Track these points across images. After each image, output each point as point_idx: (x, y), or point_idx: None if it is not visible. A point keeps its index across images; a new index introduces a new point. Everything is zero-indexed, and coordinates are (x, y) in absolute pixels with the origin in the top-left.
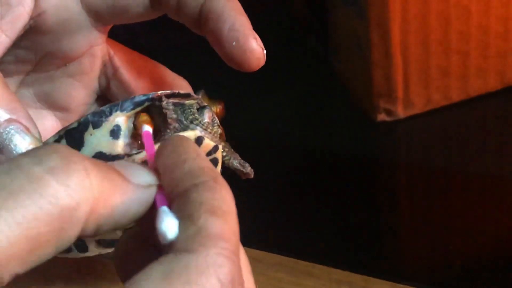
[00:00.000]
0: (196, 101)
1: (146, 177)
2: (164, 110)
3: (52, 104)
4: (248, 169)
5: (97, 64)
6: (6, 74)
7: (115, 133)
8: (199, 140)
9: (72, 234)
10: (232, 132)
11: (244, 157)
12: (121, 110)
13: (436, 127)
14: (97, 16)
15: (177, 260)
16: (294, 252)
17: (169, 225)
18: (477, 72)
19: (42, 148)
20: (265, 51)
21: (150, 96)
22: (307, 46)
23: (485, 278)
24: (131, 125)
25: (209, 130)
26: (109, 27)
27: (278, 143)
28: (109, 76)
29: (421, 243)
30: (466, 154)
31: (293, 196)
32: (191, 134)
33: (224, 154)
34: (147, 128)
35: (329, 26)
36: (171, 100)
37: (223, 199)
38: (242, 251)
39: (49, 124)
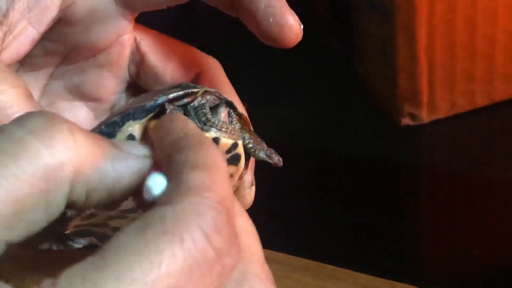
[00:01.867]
0: (213, 96)
1: (139, 149)
2: None
3: (83, 95)
4: (276, 159)
5: (126, 53)
6: (36, 68)
7: None
8: (215, 141)
9: (59, 197)
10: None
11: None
12: (133, 120)
13: (460, 132)
14: (125, 4)
15: (154, 212)
16: (320, 256)
17: (156, 181)
18: (503, 77)
19: (26, 114)
20: (302, 26)
21: (160, 101)
22: (330, 49)
23: (509, 282)
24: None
25: (224, 129)
26: (136, 14)
27: (301, 146)
28: (137, 63)
29: (445, 248)
30: (489, 159)
31: (317, 199)
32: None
33: (250, 146)
34: None
35: (352, 29)
36: (185, 100)
37: (208, 156)
38: (245, 216)
39: (82, 115)
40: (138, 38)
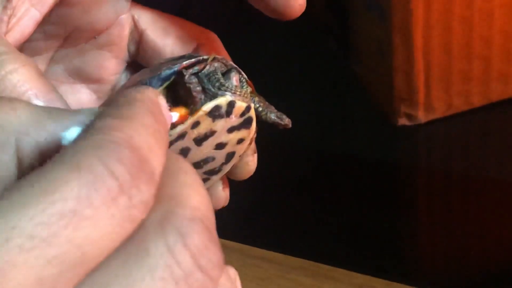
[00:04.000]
0: (220, 63)
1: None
2: (187, 85)
3: (84, 77)
4: (286, 120)
5: (125, 32)
6: (36, 52)
7: None
8: (231, 105)
9: (5, 158)
10: None
11: (263, 159)
12: None
13: (456, 132)
14: None
15: (57, 152)
16: (316, 255)
17: (73, 130)
18: (499, 77)
19: None
20: None
21: (176, 69)
22: (327, 49)
23: (506, 283)
24: None
25: (238, 92)
26: None
27: (298, 146)
28: (136, 41)
29: (441, 248)
30: (486, 159)
31: (314, 199)
32: (222, 100)
33: (260, 109)
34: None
35: (349, 30)
36: (196, 68)
37: (131, 110)
38: (190, 173)
39: (85, 97)
40: (136, 16)
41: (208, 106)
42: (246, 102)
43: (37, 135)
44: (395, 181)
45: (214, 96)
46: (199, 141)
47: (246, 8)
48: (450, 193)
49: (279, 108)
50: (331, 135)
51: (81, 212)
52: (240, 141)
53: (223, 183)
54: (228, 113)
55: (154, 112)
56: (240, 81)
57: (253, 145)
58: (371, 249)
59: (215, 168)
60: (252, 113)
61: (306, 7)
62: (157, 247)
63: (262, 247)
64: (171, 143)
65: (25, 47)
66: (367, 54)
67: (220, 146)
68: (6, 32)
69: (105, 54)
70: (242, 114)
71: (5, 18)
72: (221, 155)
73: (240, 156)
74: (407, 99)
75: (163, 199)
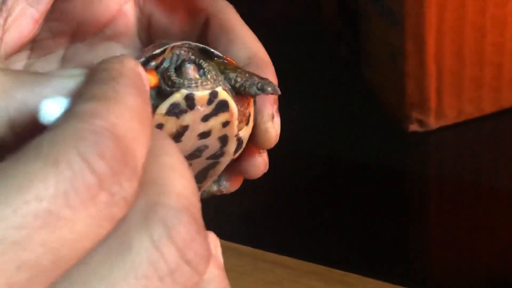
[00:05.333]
0: (180, 52)
1: (69, 71)
2: None
3: None
4: (269, 90)
5: (132, 21)
6: (47, 52)
7: None
8: (189, 98)
9: None
10: None
11: (275, 164)
12: None
13: (468, 138)
14: None
15: (34, 140)
16: (328, 260)
17: (53, 105)
18: (511, 84)
19: None
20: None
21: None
22: (338, 54)
23: None
24: None
25: (194, 84)
26: None
27: (309, 151)
28: (145, 27)
29: (451, 255)
30: (497, 166)
31: (325, 204)
32: (177, 97)
33: (238, 85)
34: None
35: (360, 35)
36: (153, 63)
37: (112, 89)
38: (174, 155)
39: None
40: (141, 2)
41: (163, 108)
42: (208, 88)
43: (5, 105)
44: (406, 187)
45: (170, 94)
46: (175, 137)
47: (256, 13)
48: (460, 199)
49: (289, 114)
50: (342, 141)
51: (57, 213)
52: (225, 124)
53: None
54: (191, 106)
55: (138, 87)
56: (200, 68)
57: (271, 109)
58: (382, 254)
59: (216, 152)
60: (222, 96)
61: (318, 12)
62: (141, 241)
63: (274, 252)
64: None
65: (35, 47)
66: (378, 60)
67: (204, 135)
68: (3, 33)
69: (114, 45)
70: (210, 102)
71: (1, 21)
72: (212, 141)
73: (236, 136)
74: (419, 105)
75: (146, 186)
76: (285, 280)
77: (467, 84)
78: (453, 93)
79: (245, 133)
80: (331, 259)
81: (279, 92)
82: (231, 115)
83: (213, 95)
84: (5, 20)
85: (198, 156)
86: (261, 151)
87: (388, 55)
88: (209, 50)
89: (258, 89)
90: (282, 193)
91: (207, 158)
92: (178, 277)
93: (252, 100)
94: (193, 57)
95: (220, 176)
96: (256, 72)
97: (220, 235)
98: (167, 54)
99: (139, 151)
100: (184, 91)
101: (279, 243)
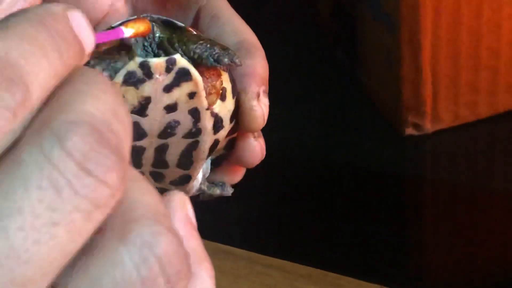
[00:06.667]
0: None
1: None
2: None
3: None
4: (226, 61)
5: (124, 16)
6: None
7: None
8: (145, 65)
9: None
10: None
11: (271, 168)
12: None
13: (463, 142)
14: None
15: None
16: (323, 263)
17: None
18: (506, 88)
19: None
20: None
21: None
22: (334, 58)
23: None
24: None
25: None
26: None
27: (304, 155)
28: (154, 16)
29: (447, 258)
30: (493, 170)
31: (321, 208)
32: (131, 65)
33: (196, 57)
34: (124, 29)
35: (356, 40)
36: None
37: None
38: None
39: None
40: None
41: (119, 76)
42: (165, 55)
43: None
44: (402, 191)
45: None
46: (139, 111)
47: (252, 17)
48: (456, 203)
49: (285, 118)
50: (338, 145)
51: None
52: (192, 95)
53: (255, 134)
54: (148, 74)
55: (46, 23)
56: (155, 36)
57: (254, 86)
58: (378, 258)
59: (190, 129)
60: (181, 63)
61: (314, 16)
62: (31, 154)
63: (270, 255)
64: None
65: None
66: (374, 64)
67: (170, 108)
68: None
69: None
70: (168, 69)
71: None
72: (182, 116)
73: (210, 110)
74: (415, 109)
75: (48, 108)
76: (281, 284)
77: (463, 88)
78: (449, 97)
79: (222, 109)
80: (327, 262)
81: (238, 64)
82: (196, 84)
83: (171, 62)
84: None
85: (173, 134)
86: (255, 134)
87: (384, 59)
88: (172, 22)
89: (214, 60)
90: (278, 197)
91: (184, 137)
92: (80, 189)
93: (223, 73)
94: (163, 22)
95: (223, 181)
96: (246, 56)
97: (216, 238)
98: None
99: (28, 67)
100: (138, 59)
101: (274, 247)
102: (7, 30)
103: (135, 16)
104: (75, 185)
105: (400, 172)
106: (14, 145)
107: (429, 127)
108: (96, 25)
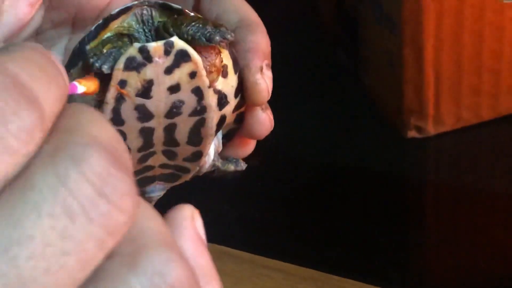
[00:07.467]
0: (135, 13)
1: None
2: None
3: None
4: (217, 39)
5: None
6: (51, 43)
7: None
8: (144, 50)
9: None
10: (258, 145)
11: (270, 169)
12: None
13: (466, 145)
14: None
15: None
16: (326, 266)
17: None
18: (509, 90)
19: None
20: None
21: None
22: (336, 60)
23: None
24: None
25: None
26: None
27: (307, 157)
28: (151, 1)
29: (449, 261)
30: (495, 172)
31: (323, 211)
32: (131, 51)
33: (190, 38)
34: (77, 84)
35: (359, 41)
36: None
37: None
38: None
39: None
40: None
41: (120, 63)
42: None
43: None
44: (404, 193)
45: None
46: (143, 94)
47: None
48: (458, 206)
49: (288, 120)
50: (340, 147)
51: None
52: (192, 75)
53: (262, 106)
54: (148, 58)
55: (43, 54)
56: (151, 21)
57: (257, 61)
58: (380, 260)
59: (196, 107)
60: (179, 45)
61: (316, 18)
62: (45, 178)
63: (272, 257)
64: (114, 110)
65: (39, 39)
66: (376, 66)
67: (173, 89)
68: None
69: None
70: (167, 52)
71: None
72: (186, 95)
73: (213, 88)
74: (417, 111)
75: (57, 132)
76: (283, 286)
77: (465, 91)
78: (451, 100)
79: (225, 86)
80: (329, 265)
81: (231, 38)
82: (195, 64)
83: (169, 45)
84: (1, 4)
85: (179, 113)
86: (263, 107)
87: (386, 62)
88: (169, 5)
89: (206, 39)
90: (280, 199)
91: (190, 115)
92: (95, 215)
93: (222, 50)
94: (161, 6)
95: (237, 158)
96: (247, 34)
97: (218, 240)
98: (129, 14)
99: (40, 91)
100: (137, 44)
101: (277, 249)
102: (14, 53)
103: (136, 2)
104: (90, 212)
105: (402, 174)
106: (25, 169)
107: (431, 129)
108: (100, 12)
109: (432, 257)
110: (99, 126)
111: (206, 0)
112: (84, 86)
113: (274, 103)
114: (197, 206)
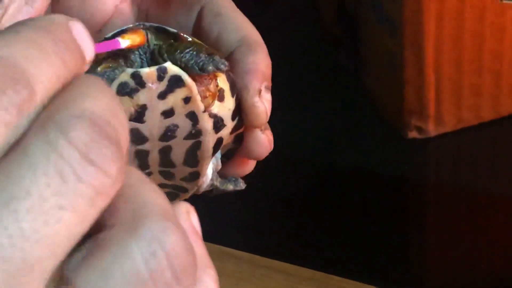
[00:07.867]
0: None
1: None
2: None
3: None
4: (210, 68)
5: (129, 18)
6: None
7: None
8: (136, 76)
9: None
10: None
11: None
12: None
13: (466, 145)
14: None
15: None
16: (326, 266)
17: None
18: (509, 91)
19: None
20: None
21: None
22: (337, 61)
23: None
24: None
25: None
26: None
27: (307, 158)
28: (147, 24)
29: (451, 261)
30: (495, 173)
31: (323, 211)
32: (123, 76)
33: (183, 66)
34: (121, 40)
35: (360, 43)
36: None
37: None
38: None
39: None
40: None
41: (113, 86)
42: (156, 65)
43: None
44: (405, 194)
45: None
46: (136, 118)
47: (254, 20)
48: (459, 206)
49: (288, 121)
50: (341, 148)
51: None
52: (187, 100)
53: (261, 127)
54: (141, 84)
55: (50, 31)
56: (143, 53)
57: (255, 83)
58: (380, 261)
59: (190, 131)
60: (172, 70)
61: (317, 19)
62: (37, 144)
63: (272, 258)
64: None
65: None
66: (377, 67)
67: (167, 114)
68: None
69: None
70: (160, 78)
71: None
72: (180, 119)
73: (208, 112)
74: (417, 112)
75: (53, 105)
76: (283, 286)
77: (466, 92)
78: (452, 101)
79: (221, 109)
80: (329, 265)
81: (224, 68)
82: (189, 90)
83: (162, 70)
84: (1, 17)
85: (174, 137)
86: (262, 127)
87: (387, 63)
88: (165, 28)
89: (199, 68)
90: (280, 200)
91: (185, 138)
92: (84, 176)
93: (219, 74)
94: (157, 29)
95: (235, 177)
96: (247, 54)
97: (218, 241)
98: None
99: (32, 69)
100: (129, 70)
101: (277, 249)
102: (15, 35)
103: (131, 25)
104: (79, 173)
105: (403, 175)
106: (21, 139)
107: (432, 130)
108: (102, 27)
109: (432, 257)
110: (95, 98)
111: (208, 18)
112: (129, 39)
113: (274, 103)
114: (197, 206)
